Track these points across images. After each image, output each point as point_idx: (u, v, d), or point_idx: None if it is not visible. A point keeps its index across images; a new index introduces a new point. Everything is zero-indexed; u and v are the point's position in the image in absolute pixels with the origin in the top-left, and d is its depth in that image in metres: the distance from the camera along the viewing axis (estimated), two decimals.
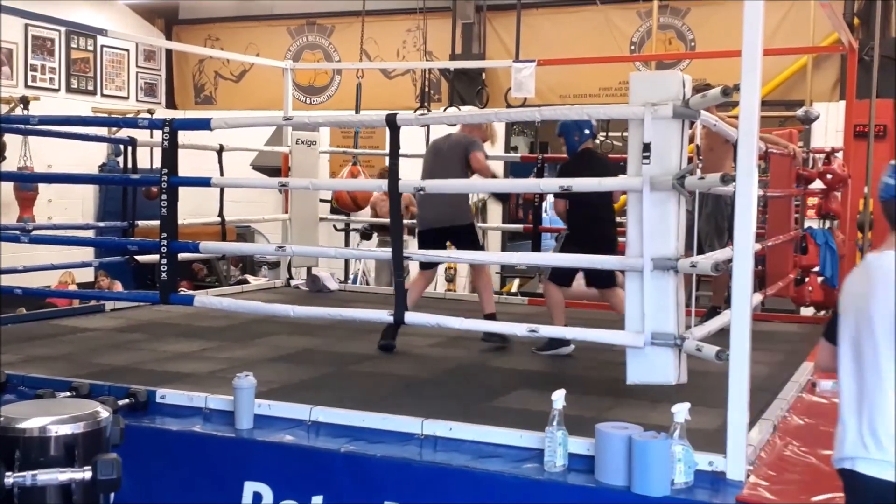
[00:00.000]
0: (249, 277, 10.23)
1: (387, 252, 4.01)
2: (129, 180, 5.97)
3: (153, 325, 5.53)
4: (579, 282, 4.99)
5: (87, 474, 2.17)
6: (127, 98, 11.68)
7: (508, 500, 2.93)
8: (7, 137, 8.02)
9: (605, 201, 4.77)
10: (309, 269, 7.47)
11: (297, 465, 3.22)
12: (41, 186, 9.21)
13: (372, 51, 10.91)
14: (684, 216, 3.37)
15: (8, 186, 8.83)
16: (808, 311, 6.54)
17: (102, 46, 11.26)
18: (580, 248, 4.13)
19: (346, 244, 9.62)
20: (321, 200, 8.18)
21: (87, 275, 9.46)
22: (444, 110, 9.30)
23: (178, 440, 3.42)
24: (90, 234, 8.11)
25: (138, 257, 6.00)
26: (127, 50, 11.67)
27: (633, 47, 10.03)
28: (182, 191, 4.34)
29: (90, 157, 10.19)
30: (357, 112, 9.13)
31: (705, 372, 3.57)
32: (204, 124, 4.49)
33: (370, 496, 3.08)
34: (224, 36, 12.01)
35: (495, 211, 10.51)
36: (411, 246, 7.64)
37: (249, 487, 3.23)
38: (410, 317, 3.87)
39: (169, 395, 3.71)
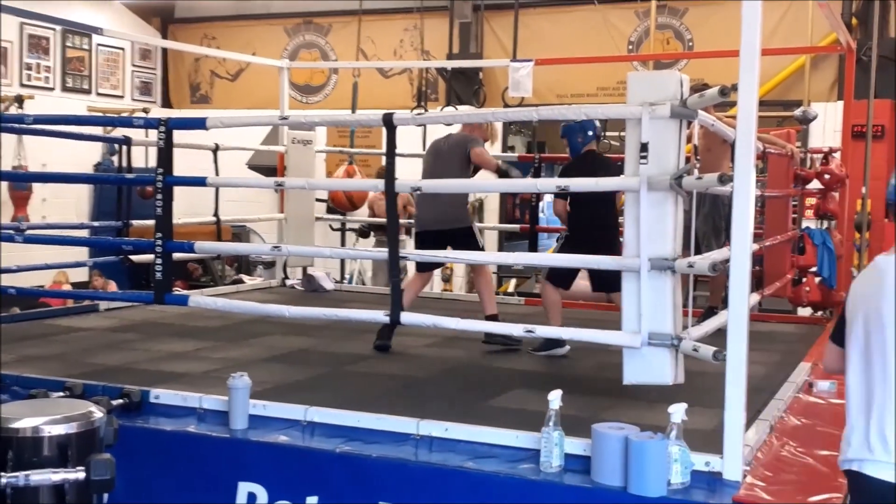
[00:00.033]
0: (245, 277, 10.21)
1: (383, 252, 3.99)
2: (124, 180, 5.95)
3: (147, 324, 5.51)
4: (579, 283, 4.96)
5: (80, 475, 2.16)
6: (122, 97, 11.65)
7: (504, 501, 2.92)
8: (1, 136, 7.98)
9: (606, 203, 4.73)
10: (304, 269, 7.45)
11: (292, 466, 3.20)
12: (35, 186, 9.20)
13: (369, 50, 10.89)
14: (682, 216, 3.36)
15: (2, 186, 8.82)
16: (805, 312, 6.54)
17: (98, 45, 11.23)
18: (579, 250, 4.09)
19: (342, 244, 9.61)
20: (317, 200, 8.16)
21: (81, 274, 9.43)
22: (441, 110, 9.29)
23: (173, 440, 3.41)
24: (84, 233, 8.09)
25: (133, 257, 5.98)
26: (122, 49, 11.64)
27: (630, 47, 10.03)
28: (177, 190, 4.32)
29: (85, 156, 10.16)
30: (353, 111, 9.12)
31: (702, 372, 3.56)
32: (199, 124, 4.47)
33: (365, 497, 3.07)
34: (220, 35, 11.99)
35: (492, 211, 10.50)
36: (408, 246, 7.63)
37: (244, 488, 3.21)
38: (406, 317, 3.85)
39: (163, 396, 3.69)
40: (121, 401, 3.55)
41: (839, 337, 2.51)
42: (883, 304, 2.29)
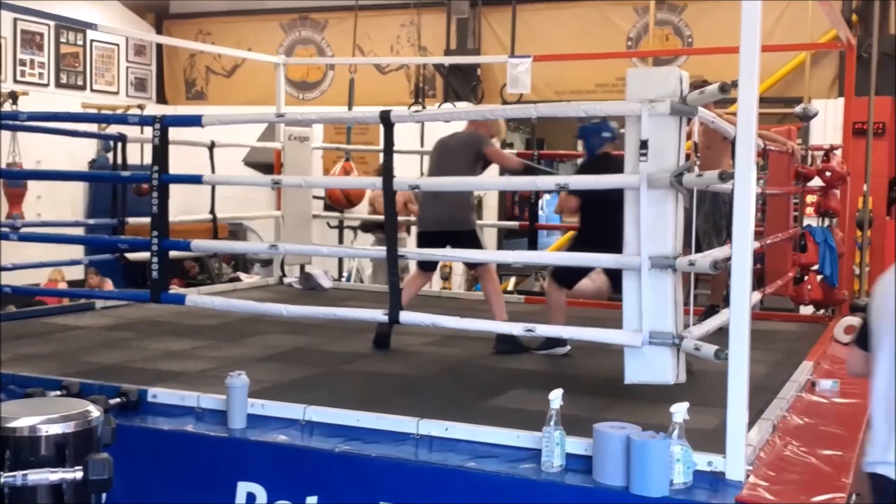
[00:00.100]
0: (242, 275, 10.18)
1: (381, 251, 3.97)
2: (119, 178, 5.91)
3: (144, 323, 5.48)
4: (583, 282, 4.90)
5: (78, 474, 2.14)
6: (117, 93, 11.61)
7: (505, 501, 2.90)
8: None
9: (619, 203, 4.65)
10: (302, 267, 7.42)
11: (292, 465, 3.18)
12: (30, 183, 9.15)
13: (366, 46, 10.86)
14: (682, 214, 3.34)
15: None
16: (807, 310, 6.53)
17: (92, 41, 11.18)
18: (590, 249, 4.01)
19: (340, 241, 9.59)
20: (314, 197, 8.13)
21: (76, 272, 9.40)
22: (439, 106, 9.27)
23: (170, 440, 3.38)
24: (80, 231, 8.05)
25: (129, 255, 5.95)
26: (117, 44, 11.60)
27: (629, 43, 10.00)
28: (173, 187, 4.29)
29: (80, 152, 10.11)
30: (350, 108, 9.09)
31: (704, 371, 3.55)
32: (195, 121, 4.44)
33: (365, 497, 3.05)
34: (215, 31, 11.95)
35: (491, 208, 10.48)
36: (409, 243, 7.61)
37: (243, 488, 3.19)
38: (405, 316, 3.83)
39: (160, 395, 3.66)
40: (118, 400, 3.53)
41: (864, 341, 2.48)
42: None
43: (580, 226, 4.76)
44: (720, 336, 3.07)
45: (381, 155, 3.91)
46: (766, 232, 5.55)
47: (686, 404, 2.83)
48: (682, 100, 3.25)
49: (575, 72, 9.72)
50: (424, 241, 5.09)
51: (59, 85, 10.83)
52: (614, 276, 4.59)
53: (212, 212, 6.64)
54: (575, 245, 4.71)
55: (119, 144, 6.08)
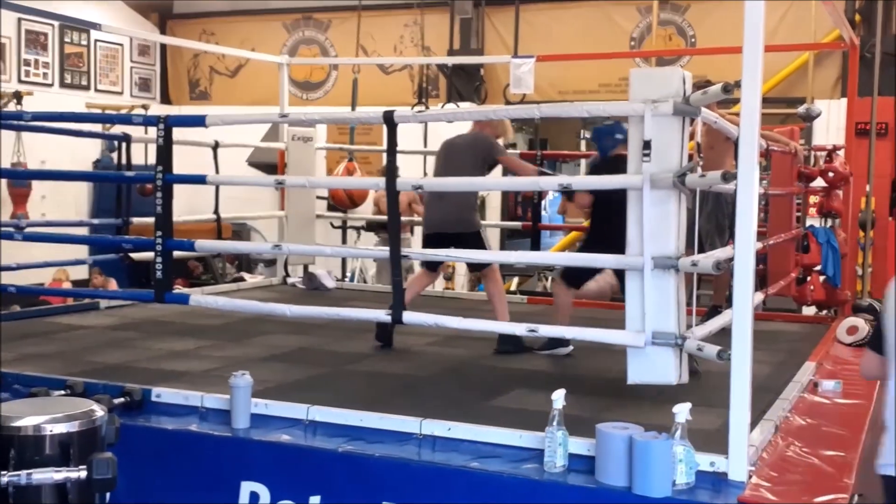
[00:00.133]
0: (245, 275, 10.19)
1: (384, 251, 3.97)
2: (123, 178, 5.92)
3: (148, 323, 5.49)
4: (588, 284, 4.89)
5: (82, 473, 2.16)
6: (121, 93, 11.62)
7: (508, 501, 2.90)
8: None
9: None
10: (306, 267, 7.43)
11: (295, 465, 3.19)
12: (34, 183, 9.17)
13: (369, 46, 10.86)
14: (685, 214, 3.34)
15: (1, 183, 8.79)
16: (809, 311, 6.52)
17: (96, 41, 11.20)
18: (600, 250, 4.00)
19: (343, 241, 9.59)
20: (318, 197, 8.14)
21: (81, 272, 9.41)
22: (443, 107, 9.26)
23: (174, 439, 3.39)
24: (84, 231, 8.06)
25: (133, 255, 5.96)
26: (121, 45, 11.61)
27: (632, 43, 10.00)
28: (177, 187, 4.30)
29: (84, 153, 10.12)
30: (354, 108, 9.09)
31: (706, 372, 3.55)
32: (199, 121, 4.45)
33: (368, 496, 3.05)
34: (219, 31, 11.96)
35: (494, 208, 10.48)
36: (413, 244, 7.61)
37: (246, 487, 3.20)
38: (408, 316, 3.83)
39: (164, 394, 3.67)
40: (122, 399, 3.54)
41: (878, 344, 2.48)
42: None
43: (591, 226, 4.76)
44: (723, 336, 3.07)
45: (385, 155, 3.92)
46: (768, 232, 5.55)
47: (688, 405, 2.83)
48: (685, 100, 3.26)
49: (578, 72, 9.72)
50: (429, 242, 5.07)
51: (63, 85, 10.85)
52: (623, 276, 4.59)
53: (215, 212, 6.65)
54: (586, 245, 4.70)
55: (123, 144, 6.10)
